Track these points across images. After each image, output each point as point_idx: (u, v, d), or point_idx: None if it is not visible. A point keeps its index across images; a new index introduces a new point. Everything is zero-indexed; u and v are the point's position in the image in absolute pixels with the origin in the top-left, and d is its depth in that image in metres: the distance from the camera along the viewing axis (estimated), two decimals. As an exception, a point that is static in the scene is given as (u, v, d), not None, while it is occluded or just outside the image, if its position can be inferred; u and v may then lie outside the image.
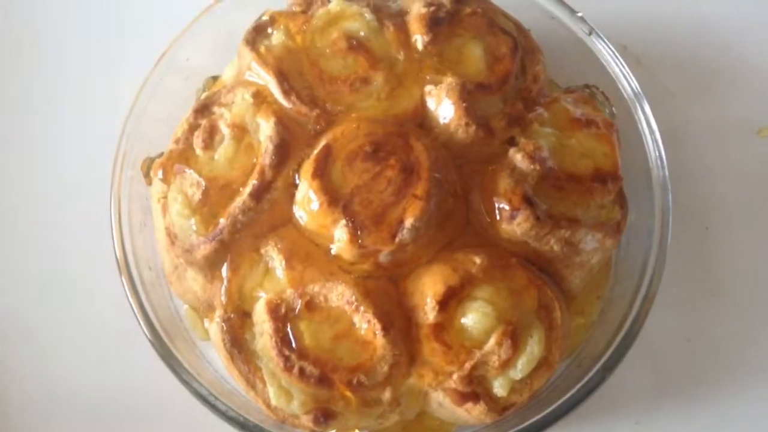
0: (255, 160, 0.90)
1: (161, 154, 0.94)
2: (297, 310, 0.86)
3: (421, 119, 0.94)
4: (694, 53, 1.16)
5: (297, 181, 0.89)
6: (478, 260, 0.87)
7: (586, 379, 0.89)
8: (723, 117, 1.13)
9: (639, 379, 1.02)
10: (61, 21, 1.20)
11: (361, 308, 0.85)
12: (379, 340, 0.85)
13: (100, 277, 0.99)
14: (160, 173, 0.92)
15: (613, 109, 1.00)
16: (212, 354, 0.93)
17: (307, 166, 0.88)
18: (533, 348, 0.87)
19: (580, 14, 1.01)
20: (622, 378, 0.95)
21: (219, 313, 0.88)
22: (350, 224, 0.85)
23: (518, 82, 0.98)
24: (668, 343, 1.03)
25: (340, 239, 0.86)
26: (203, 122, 0.93)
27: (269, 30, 0.96)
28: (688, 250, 1.06)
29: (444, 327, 0.87)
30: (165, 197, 0.92)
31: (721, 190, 1.10)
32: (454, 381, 0.85)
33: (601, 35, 1.01)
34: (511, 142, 0.93)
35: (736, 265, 1.07)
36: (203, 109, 0.94)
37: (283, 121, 0.90)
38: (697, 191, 1.09)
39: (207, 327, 0.94)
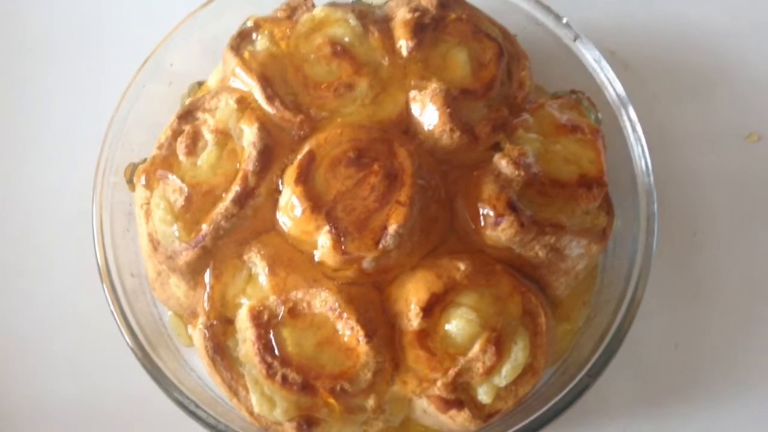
0: (238, 166, 0.90)
1: (144, 160, 0.94)
2: (280, 317, 0.86)
3: (406, 125, 0.93)
4: (683, 58, 1.16)
5: (280, 187, 0.89)
6: (462, 266, 0.87)
7: (571, 385, 0.89)
8: (711, 122, 1.13)
9: (626, 385, 1.01)
10: (44, 26, 1.19)
11: (345, 315, 0.85)
12: (363, 347, 0.85)
13: (83, 284, 0.99)
14: (143, 179, 0.92)
15: (599, 114, 1.00)
16: (196, 361, 0.93)
17: (291, 172, 0.88)
18: (518, 354, 0.86)
19: (565, 20, 1.01)
20: (609, 385, 0.95)
21: (202, 319, 0.88)
22: (333, 230, 0.85)
23: (504, 88, 0.97)
24: (655, 349, 1.03)
25: (323, 245, 0.86)
26: (187, 128, 0.92)
27: (254, 36, 0.96)
28: (676, 256, 1.06)
29: (428, 334, 0.86)
30: (148, 203, 0.91)
31: (708, 195, 1.09)
32: (438, 388, 0.85)
33: (587, 41, 1.00)
34: (496, 147, 0.92)
35: (723, 270, 1.06)
36: (187, 114, 0.93)
37: (266, 127, 0.90)
38: (684, 196, 1.09)
39: (191, 333, 0.93)
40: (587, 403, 0.90)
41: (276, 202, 0.89)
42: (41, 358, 1.03)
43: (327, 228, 0.85)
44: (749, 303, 1.05)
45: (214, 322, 0.88)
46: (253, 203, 0.88)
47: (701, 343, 1.03)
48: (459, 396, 0.86)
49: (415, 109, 0.92)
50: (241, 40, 0.96)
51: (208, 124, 0.92)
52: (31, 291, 1.06)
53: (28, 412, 1.02)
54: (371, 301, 0.88)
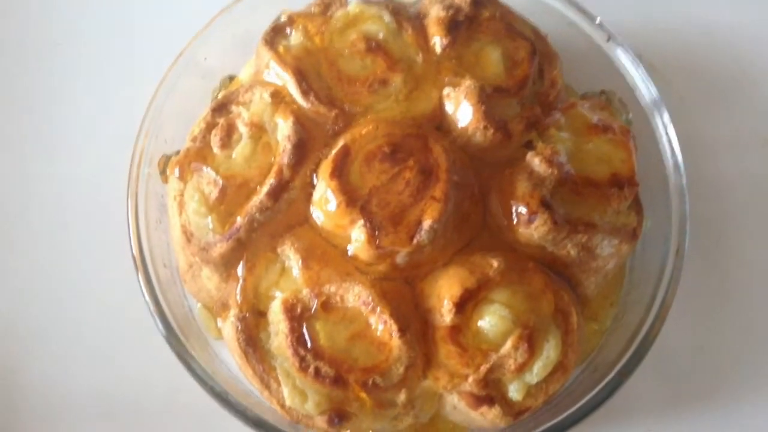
0: (273, 159, 0.90)
1: (178, 152, 0.94)
2: (313, 310, 0.86)
3: (439, 121, 0.93)
4: (710, 63, 1.16)
5: (314, 181, 0.89)
6: (495, 263, 0.87)
7: (602, 384, 0.89)
8: (738, 127, 1.13)
9: (652, 386, 1.01)
10: (80, 20, 1.19)
11: (378, 309, 0.85)
12: (395, 342, 0.85)
13: (115, 274, 0.99)
14: (176, 171, 0.92)
15: (630, 115, 1.00)
16: (225, 354, 0.93)
17: (325, 166, 0.88)
18: (549, 352, 0.86)
19: (598, 20, 1.01)
20: (635, 385, 0.94)
21: (234, 312, 0.88)
22: (368, 225, 0.85)
23: (536, 87, 0.98)
24: (682, 351, 1.03)
25: (357, 239, 0.86)
26: (221, 121, 0.93)
27: (288, 30, 0.96)
28: (702, 259, 1.06)
29: (460, 329, 0.86)
30: (181, 195, 0.92)
31: (734, 199, 1.10)
32: (469, 384, 0.85)
33: (620, 41, 1.01)
34: (529, 146, 0.92)
35: (750, 274, 1.06)
36: (221, 107, 0.94)
37: (301, 121, 0.90)
38: (710, 200, 1.09)
39: (220, 326, 0.93)
40: (612, 403, 0.90)
41: (310, 195, 0.89)
42: (71, 349, 1.03)
43: (361, 222, 0.85)
44: (775, 307, 1.05)
45: (247, 315, 0.88)
46: (288, 196, 0.88)
47: (727, 345, 1.03)
48: (490, 392, 0.86)
49: (449, 106, 0.92)
50: (275, 34, 0.96)
51: (242, 117, 0.92)
52: (64, 283, 1.05)
53: (56, 403, 1.02)
54: (404, 296, 0.88)
